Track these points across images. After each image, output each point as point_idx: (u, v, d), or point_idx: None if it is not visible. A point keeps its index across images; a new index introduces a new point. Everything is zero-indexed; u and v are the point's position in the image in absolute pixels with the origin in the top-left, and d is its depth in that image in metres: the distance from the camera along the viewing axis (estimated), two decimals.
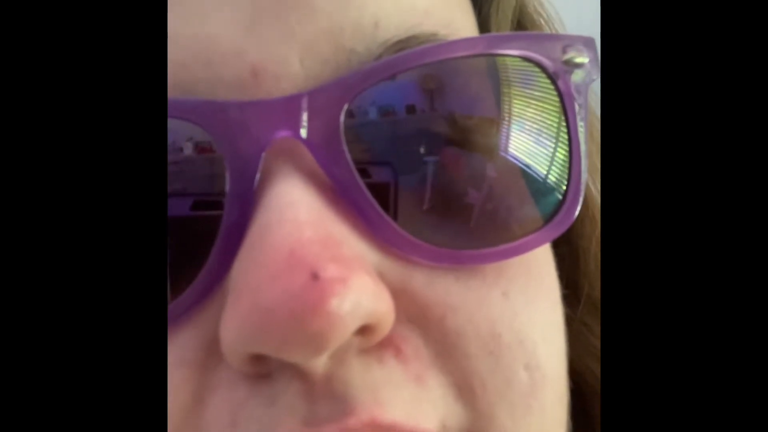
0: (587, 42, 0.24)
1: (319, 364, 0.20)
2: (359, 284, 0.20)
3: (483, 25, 0.28)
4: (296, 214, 0.20)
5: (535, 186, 0.24)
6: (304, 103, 0.21)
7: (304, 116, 0.21)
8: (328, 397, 0.20)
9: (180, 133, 0.22)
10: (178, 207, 0.22)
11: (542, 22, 0.31)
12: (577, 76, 0.23)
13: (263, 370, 0.20)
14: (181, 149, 0.22)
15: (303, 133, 0.21)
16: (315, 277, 0.19)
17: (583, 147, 0.24)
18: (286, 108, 0.21)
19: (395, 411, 0.20)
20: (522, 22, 0.30)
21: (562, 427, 0.25)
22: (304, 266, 0.19)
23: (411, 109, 0.23)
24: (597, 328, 0.30)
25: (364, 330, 0.20)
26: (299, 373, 0.20)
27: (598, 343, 0.30)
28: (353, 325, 0.19)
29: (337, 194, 0.22)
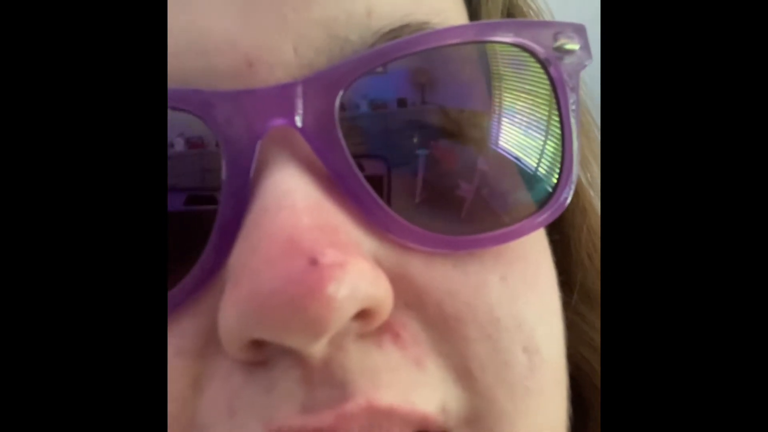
0: (577, 29, 0.24)
1: (318, 349, 0.20)
2: (357, 269, 0.20)
3: (473, 16, 0.29)
4: (293, 201, 0.20)
5: (529, 172, 0.24)
6: (299, 91, 0.21)
7: (299, 104, 0.21)
8: (326, 383, 0.20)
9: (171, 129, 0.22)
10: (172, 202, 0.22)
11: (532, 14, 0.31)
12: (568, 63, 0.24)
13: (260, 357, 0.20)
14: (172, 145, 0.22)
15: (298, 121, 0.21)
16: (313, 262, 0.19)
17: (575, 132, 0.24)
18: (281, 96, 0.21)
19: (393, 394, 0.20)
20: (512, 13, 0.30)
21: (562, 410, 0.25)
22: (302, 251, 0.19)
23: (403, 100, 0.23)
24: (590, 317, 0.30)
25: (362, 314, 0.20)
26: (297, 360, 0.20)
27: (591, 331, 0.30)
28: (351, 309, 0.19)
29: (333, 182, 0.22)
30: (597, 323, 0.30)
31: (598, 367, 0.30)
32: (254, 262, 0.20)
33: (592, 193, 0.31)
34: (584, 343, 0.30)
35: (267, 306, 0.19)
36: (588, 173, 0.31)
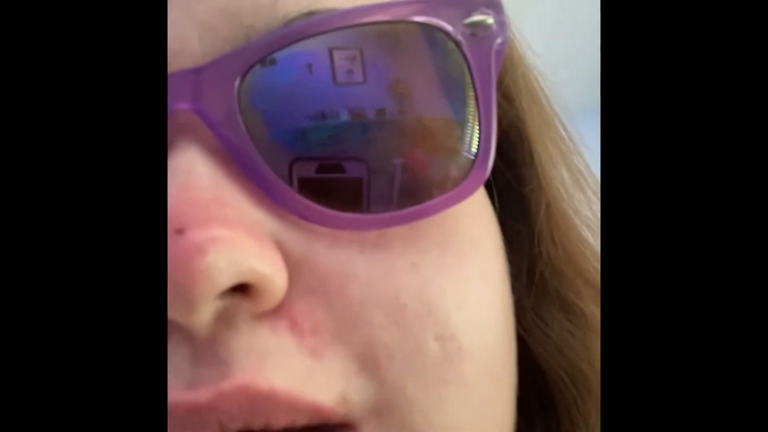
0: (491, 3, 0.23)
1: (201, 323, 0.19)
2: (235, 241, 0.19)
3: None
4: (186, 179, 0.21)
5: (444, 151, 0.23)
6: (200, 76, 0.22)
7: (200, 88, 0.22)
8: (210, 360, 0.20)
9: None
10: None
11: None
12: (482, 39, 0.23)
13: None
14: None
15: (199, 105, 0.22)
16: (180, 232, 0.19)
17: (493, 111, 0.23)
18: (182, 81, 0.22)
19: (278, 378, 0.20)
20: None
21: (496, 405, 0.23)
22: (173, 223, 0.19)
23: (312, 73, 0.22)
24: (554, 322, 0.28)
25: (249, 291, 0.20)
26: (186, 336, 0.20)
27: (557, 338, 0.28)
28: (224, 281, 0.19)
29: (236, 165, 0.22)
30: (566, 326, 0.28)
31: (565, 376, 0.28)
32: None
33: (561, 189, 0.30)
34: (549, 347, 0.28)
35: None
36: (556, 171, 0.30)
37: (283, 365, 0.20)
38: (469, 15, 0.23)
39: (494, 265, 0.24)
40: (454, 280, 0.22)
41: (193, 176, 0.21)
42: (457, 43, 0.23)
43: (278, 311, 0.21)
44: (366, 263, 0.21)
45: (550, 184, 0.29)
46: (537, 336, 0.28)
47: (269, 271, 0.20)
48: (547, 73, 0.30)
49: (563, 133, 0.30)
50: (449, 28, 0.23)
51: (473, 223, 0.24)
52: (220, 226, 0.19)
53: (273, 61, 0.22)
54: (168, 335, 0.20)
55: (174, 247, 0.19)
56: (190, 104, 0.22)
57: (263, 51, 0.22)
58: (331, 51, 0.22)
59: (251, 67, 0.22)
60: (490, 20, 0.23)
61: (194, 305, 0.19)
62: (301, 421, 0.20)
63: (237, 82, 0.22)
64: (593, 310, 0.28)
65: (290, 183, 0.22)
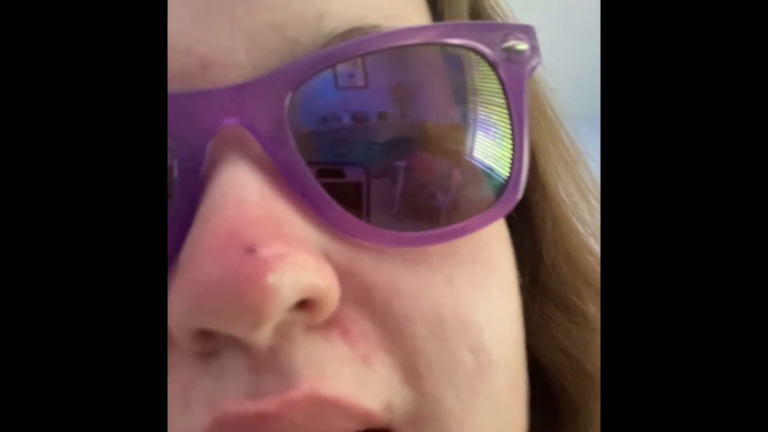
0: (525, 29, 0.24)
1: (263, 337, 0.20)
2: (297, 259, 0.20)
3: (437, 20, 0.29)
4: (242, 195, 0.21)
5: (480, 170, 0.24)
6: (250, 91, 0.22)
7: (250, 103, 0.22)
8: (272, 371, 0.21)
9: None
10: None
11: (498, 19, 0.31)
12: (517, 63, 0.24)
13: (210, 347, 0.21)
14: None
15: (249, 120, 0.22)
16: (250, 251, 0.20)
17: (526, 132, 0.24)
18: (232, 96, 0.22)
19: (338, 386, 0.21)
20: (476, 16, 0.31)
21: (517, 414, 0.25)
22: (240, 242, 0.20)
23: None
24: (559, 320, 0.30)
25: (307, 305, 0.21)
26: (244, 349, 0.21)
27: (560, 335, 0.30)
28: (291, 298, 0.20)
29: (284, 179, 0.22)
30: (568, 326, 0.30)
31: (567, 371, 0.30)
32: (197, 253, 0.20)
33: (565, 198, 0.31)
34: (553, 347, 0.30)
35: (205, 295, 0.20)
36: (560, 181, 0.31)
37: (340, 373, 0.21)
38: (505, 40, 0.24)
39: (511, 277, 0.26)
40: (483, 294, 0.24)
41: (247, 192, 0.21)
42: (494, 66, 0.24)
43: (329, 321, 0.22)
44: (408, 277, 0.23)
45: (555, 193, 0.31)
46: (540, 337, 0.30)
47: (326, 285, 0.21)
48: (553, 84, 0.31)
49: (568, 144, 0.32)
50: (487, 51, 0.24)
51: (495, 238, 0.25)
52: (282, 244, 0.20)
53: (321, 78, 0.23)
54: (221, 348, 0.21)
55: (244, 265, 0.19)
56: (239, 119, 0.22)
57: (316, 67, 0.23)
58: (377, 71, 0.23)
59: (302, 82, 0.22)
60: (524, 45, 0.24)
61: (262, 322, 0.20)
62: (353, 427, 0.21)
63: (288, 98, 0.22)
64: (593, 309, 0.30)
65: (340, 200, 0.22)
